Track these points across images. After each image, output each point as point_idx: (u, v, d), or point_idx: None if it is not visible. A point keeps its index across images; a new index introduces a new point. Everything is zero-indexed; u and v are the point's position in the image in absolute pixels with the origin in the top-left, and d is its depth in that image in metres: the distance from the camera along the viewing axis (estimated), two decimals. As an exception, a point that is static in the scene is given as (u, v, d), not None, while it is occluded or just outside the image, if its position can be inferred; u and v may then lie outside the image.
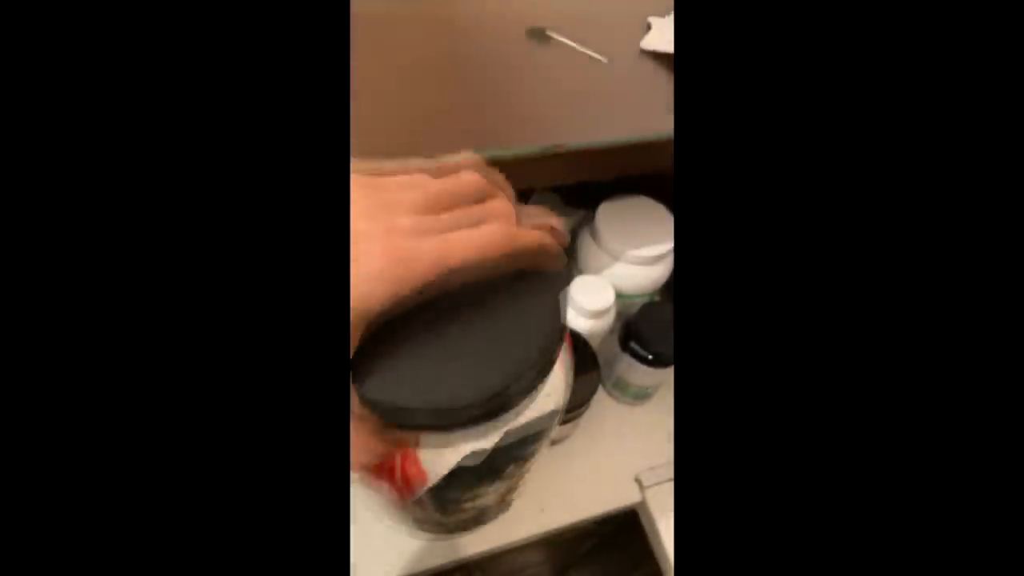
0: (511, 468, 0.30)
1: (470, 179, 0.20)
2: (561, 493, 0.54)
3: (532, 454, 0.32)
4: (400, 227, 0.17)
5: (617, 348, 0.56)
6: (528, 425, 0.25)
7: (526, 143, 0.39)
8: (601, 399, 0.61)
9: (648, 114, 0.44)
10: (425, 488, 0.26)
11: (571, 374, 0.29)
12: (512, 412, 0.24)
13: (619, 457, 0.57)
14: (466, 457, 0.24)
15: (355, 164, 0.19)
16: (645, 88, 0.48)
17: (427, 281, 0.18)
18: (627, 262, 0.56)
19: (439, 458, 0.25)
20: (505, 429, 0.24)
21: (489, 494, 0.34)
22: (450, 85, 0.44)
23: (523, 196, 0.69)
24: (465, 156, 0.21)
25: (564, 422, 0.52)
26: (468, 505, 0.34)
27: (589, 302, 0.52)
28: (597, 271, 0.57)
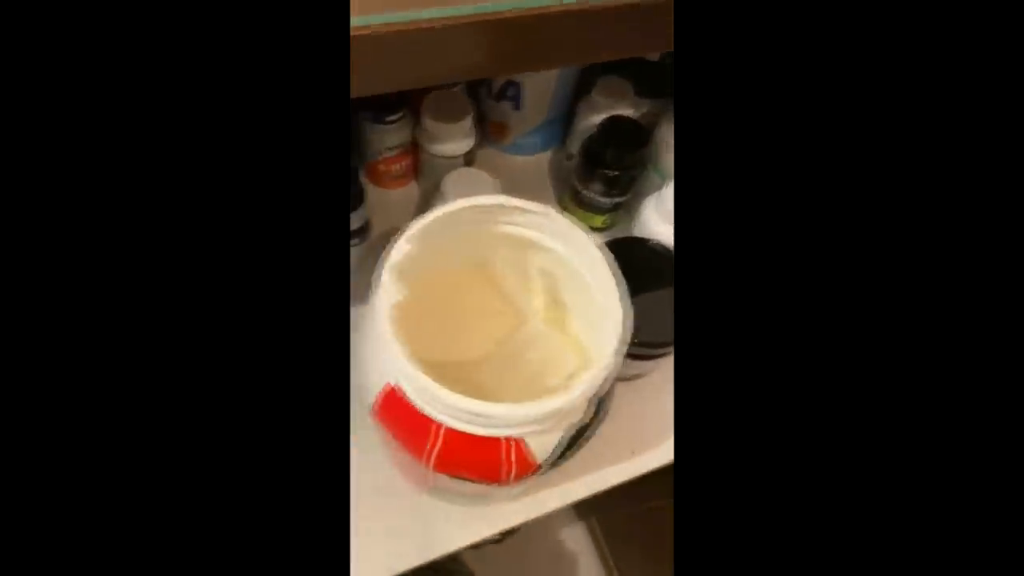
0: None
1: None
2: (651, 434, 0.49)
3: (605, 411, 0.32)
4: None
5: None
6: (606, 381, 0.26)
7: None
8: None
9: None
10: (538, 474, 0.26)
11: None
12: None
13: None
14: (563, 434, 0.25)
15: None
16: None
17: None
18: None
19: (544, 445, 0.25)
20: (592, 394, 0.24)
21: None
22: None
23: (586, 81, 0.55)
24: None
25: (653, 357, 0.46)
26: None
27: (680, 204, 0.43)
28: (685, 168, 0.47)
